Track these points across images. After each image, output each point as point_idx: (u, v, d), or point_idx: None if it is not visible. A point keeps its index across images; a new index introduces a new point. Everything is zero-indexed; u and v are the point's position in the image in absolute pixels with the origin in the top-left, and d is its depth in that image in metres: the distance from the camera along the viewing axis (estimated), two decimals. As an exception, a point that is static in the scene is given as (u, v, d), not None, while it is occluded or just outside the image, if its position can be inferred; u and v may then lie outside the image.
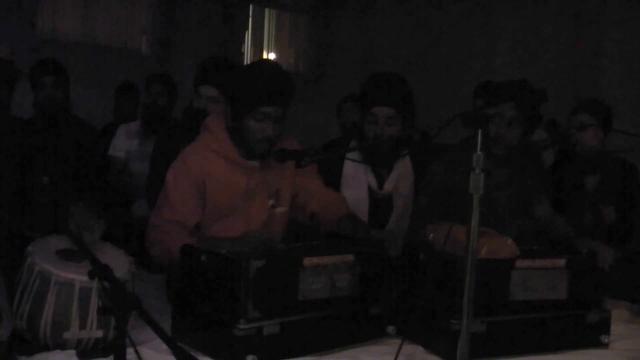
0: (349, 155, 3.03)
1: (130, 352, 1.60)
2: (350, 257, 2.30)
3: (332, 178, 3.05)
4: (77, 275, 2.11)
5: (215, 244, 2.35)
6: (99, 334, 2.14)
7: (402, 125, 3.05)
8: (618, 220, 3.37)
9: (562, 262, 2.40)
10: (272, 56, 7.94)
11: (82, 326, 2.12)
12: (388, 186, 3.16)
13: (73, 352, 2.11)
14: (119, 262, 2.24)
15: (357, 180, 3.15)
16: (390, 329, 2.42)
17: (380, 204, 3.17)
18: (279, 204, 2.71)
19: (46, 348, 2.13)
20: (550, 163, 4.05)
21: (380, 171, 3.17)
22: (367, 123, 3.07)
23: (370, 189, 3.15)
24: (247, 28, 7.58)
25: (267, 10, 7.88)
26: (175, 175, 2.59)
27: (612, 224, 3.35)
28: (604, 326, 2.47)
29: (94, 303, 2.12)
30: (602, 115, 3.36)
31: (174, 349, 1.43)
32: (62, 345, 2.12)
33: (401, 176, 3.18)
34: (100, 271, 1.59)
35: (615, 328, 2.54)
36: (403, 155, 3.19)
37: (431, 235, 2.49)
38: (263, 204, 2.66)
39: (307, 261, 2.18)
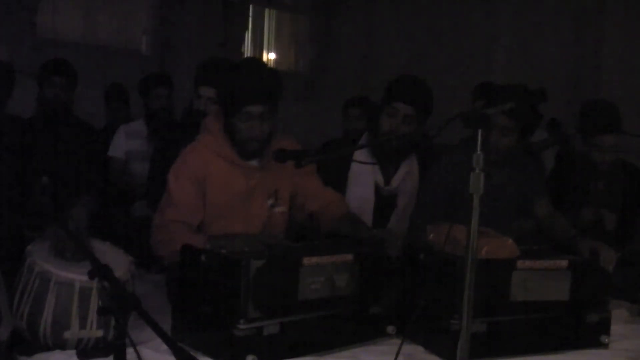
0: (357, 156, 3.02)
1: (130, 352, 1.60)
2: (349, 257, 2.30)
3: (339, 176, 3.05)
4: (77, 275, 2.10)
5: (228, 242, 2.32)
6: (99, 333, 2.14)
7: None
8: (619, 224, 3.36)
9: (564, 263, 2.39)
10: (272, 56, 7.95)
11: (82, 326, 2.12)
12: (394, 182, 3.17)
13: (73, 352, 2.10)
14: (118, 262, 2.24)
15: (364, 178, 3.14)
16: (390, 329, 2.42)
17: (384, 201, 3.17)
18: (278, 203, 2.70)
19: (46, 348, 2.12)
20: (551, 163, 4.04)
21: (387, 169, 3.17)
22: (384, 115, 3.06)
23: (376, 186, 3.16)
24: (247, 28, 7.58)
25: (267, 10, 7.89)
26: (176, 175, 2.60)
27: (613, 229, 3.34)
28: (604, 326, 2.46)
29: (94, 303, 2.11)
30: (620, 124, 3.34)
31: (174, 349, 1.43)
32: (62, 345, 2.12)
33: (407, 174, 3.18)
34: (100, 271, 1.59)
35: (615, 328, 2.53)
36: (409, 155, 3.19)
37: (431, 235, 2.49)
38: (262, 204, 2.67)
39: (306, 261, 2.18)
